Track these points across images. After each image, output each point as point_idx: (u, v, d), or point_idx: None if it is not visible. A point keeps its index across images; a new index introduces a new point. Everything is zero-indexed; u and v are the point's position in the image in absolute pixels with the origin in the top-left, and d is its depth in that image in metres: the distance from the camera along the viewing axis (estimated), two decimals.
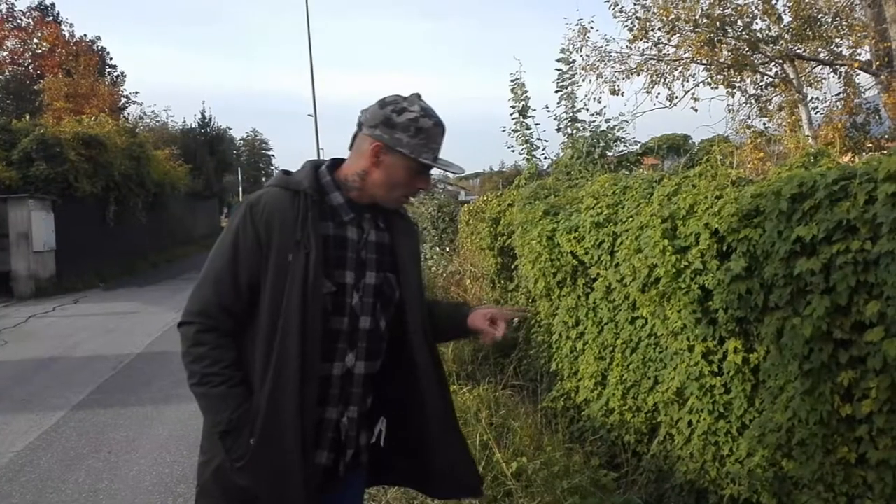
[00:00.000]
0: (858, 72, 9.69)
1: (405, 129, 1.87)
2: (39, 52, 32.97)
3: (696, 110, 10.32)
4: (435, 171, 2.04)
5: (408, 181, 1.94)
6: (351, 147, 2.00)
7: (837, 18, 9.54)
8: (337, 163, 2.02)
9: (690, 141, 12.08)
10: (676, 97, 10.36)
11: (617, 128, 8.85)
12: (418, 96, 1.95)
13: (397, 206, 2.05)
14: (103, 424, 5.94)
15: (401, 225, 2.09)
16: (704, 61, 9.87)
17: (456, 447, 2.12)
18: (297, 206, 1.86)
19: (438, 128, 1.92)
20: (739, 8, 9.65)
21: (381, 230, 2.03)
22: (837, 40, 9.71)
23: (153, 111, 35.30)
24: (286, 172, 1.99)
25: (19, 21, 33.26)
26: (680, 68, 10.20)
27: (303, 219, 1.85)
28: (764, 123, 10.57)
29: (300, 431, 1.82)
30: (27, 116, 19.40)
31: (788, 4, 9.50)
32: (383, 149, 1.89)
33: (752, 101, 10.55)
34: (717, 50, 9.61)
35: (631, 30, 10.14)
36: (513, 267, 7.60)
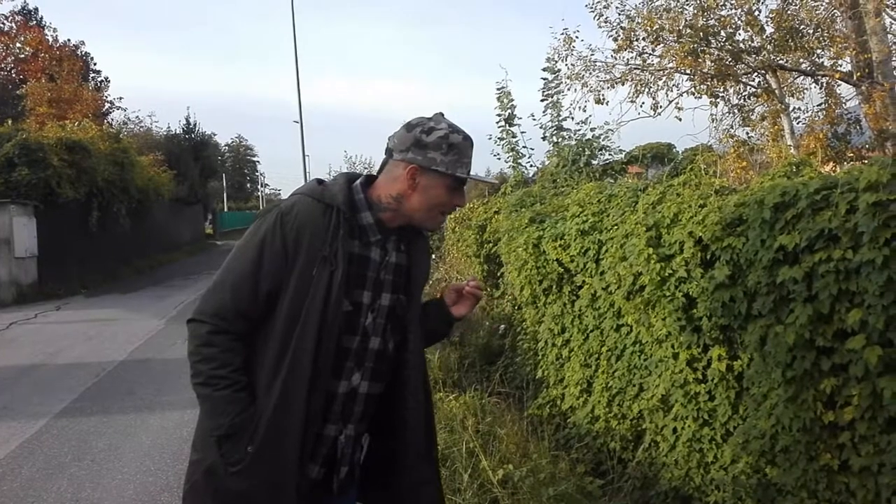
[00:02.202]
0: (840, 82, 9.79)
1: (437, 147, 1.88)
2: (22, 56, 32.62)
3: (679, 119, 10.37)
4: None
5: (446, 199, 1.94)
6: (379, 172, 1.99)
7: (819, 30, 9.64)
8: (370, 180, 2.00)
9: (674, 150, 12.15)
10: (660, 106, 10.42)
11: (602, 136, 8.95)
12: (442, 115, 1.96)
13: (434, 226, 2.06)
14: (86, 433, 5.88)
15: (419, 245, 2.08)
16: (688, 71, 9.94)
17: (428, 479, 2.08)
18: (328, 221, 1.84)
19: (467, 142, 1.94)
20: (723, 19, 9.73)
21: (401, 252, 2.03)
22: (819, 51, 9.79)
23: (137, 117, 34.94)
24: (319, 182, 1.97)
25: (1, 25, 32.99)
26: (664, 78, 10.27)
27: (332, 234, 1.83)
28: (747, 133, 10.66)
29: (300, 444, 1.81)
30: (9, 121, 19.17)
31: (771, 16, 9.60)
32: (419, 171, 1.89)
33: (735, 110, 10.64)
34: (700, 60, 9.68)
35: (615, 39, 10.19)
36: (499, 274, 7.63)
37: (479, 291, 2.18)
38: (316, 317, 1.80)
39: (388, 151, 1.95)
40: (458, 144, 1.90)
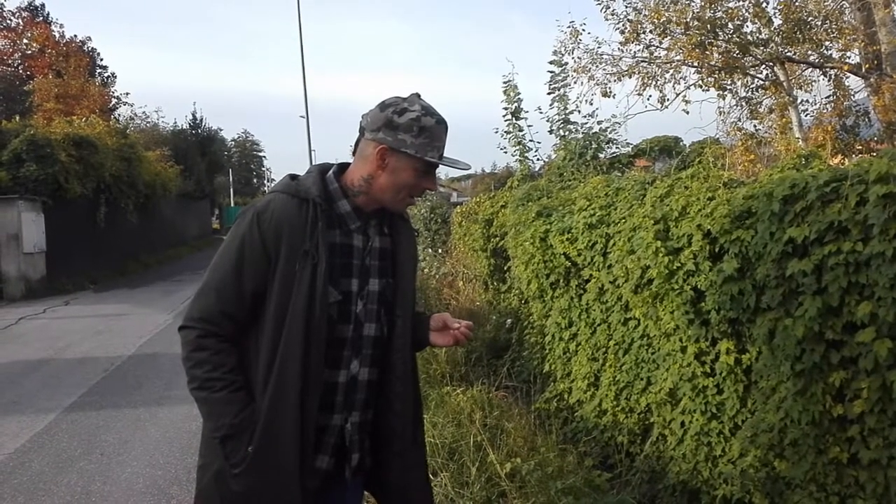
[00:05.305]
0: (848, 74, 9.73)
1: (408, 129, 1.86)
2: (29, 52, 32.76)
3: (687, 112, 10.32)
4: None
5: (414, 182, 1.92)
6: (354, 153, 1.98)
7: (827, 22, 9.57)
8: (343, 167, 1.99)
9: (682, 143, 12.10)
10: (668, 99, 10.37)
11: (609, 130, 8.90)
12: (418, 96, 1.93)
13: (403, 209, 2.04)
14: (95, 426, 5.91)
15: (402, 229, 2.08)
16: (695, 64, 9.89)
17: (414, 466, 2.07)
18: (305, 215, 1.84)
19: (441, 125, 1.91)
20: (730, 11, 9.67)
21: (384, 236, 2.02)
22: (827, 43, 9.73)
23: (144, 112, 34.97)
24: (293, 177, 1.96)
25: (8, 21, 33.07)
26: (671, 71, 10.21)
27: (311, 228, 1.83)
28: (755, 126, 10.60)
29: (299, 440, 1.81)
30: (17, 117, 19.27)
31: (779, 7, 9.54)
32: (388, 151, 1.87)
33: (743, 103, 10.58)
34: (707, 52, 9.63)
35: (622, 32, 10.15)
36: (505, 268, 7.62)
37: (465, 339, 2.10)
38: (302, 312, 1.80)
39: (361, 129, 1.94)
40: (430, 128, 1.88)
